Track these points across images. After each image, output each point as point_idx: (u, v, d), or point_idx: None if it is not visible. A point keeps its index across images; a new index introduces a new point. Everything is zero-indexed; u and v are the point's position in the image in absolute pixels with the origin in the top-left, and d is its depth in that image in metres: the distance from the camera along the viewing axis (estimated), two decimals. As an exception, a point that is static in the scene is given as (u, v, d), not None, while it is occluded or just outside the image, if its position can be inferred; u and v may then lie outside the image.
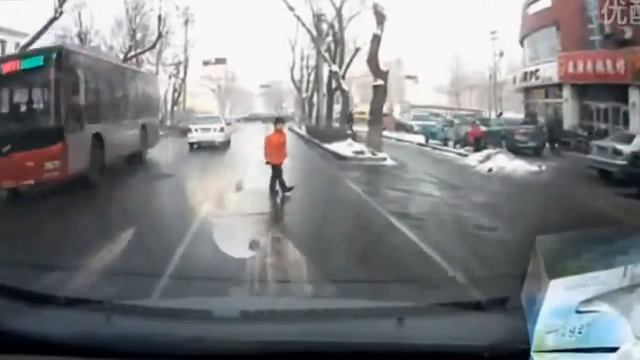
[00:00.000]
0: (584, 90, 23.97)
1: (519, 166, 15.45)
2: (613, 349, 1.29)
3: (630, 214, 8.93)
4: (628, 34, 21.05)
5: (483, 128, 21.11)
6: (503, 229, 8.10)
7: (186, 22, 32.02)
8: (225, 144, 21.59)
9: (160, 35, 28.07)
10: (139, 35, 29.19)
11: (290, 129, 35.28)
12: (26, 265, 4.45)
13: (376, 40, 19.50)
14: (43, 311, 1.73)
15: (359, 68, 31.77)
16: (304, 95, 37.41)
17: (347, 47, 27.88)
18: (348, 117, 25.88)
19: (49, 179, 10.80)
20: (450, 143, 22.95)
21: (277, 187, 10.48)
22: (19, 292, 1.82)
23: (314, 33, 26.93)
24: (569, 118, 24.59)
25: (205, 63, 35.83)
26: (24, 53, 14.88)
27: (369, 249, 6.73)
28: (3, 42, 25.86)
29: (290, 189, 10.43)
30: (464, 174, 15.15)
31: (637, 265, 1.30)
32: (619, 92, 21.21)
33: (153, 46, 28.78)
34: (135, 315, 1.81)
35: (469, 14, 53.60)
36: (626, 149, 12.97)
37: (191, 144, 21.05)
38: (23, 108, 11.55)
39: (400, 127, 32.06)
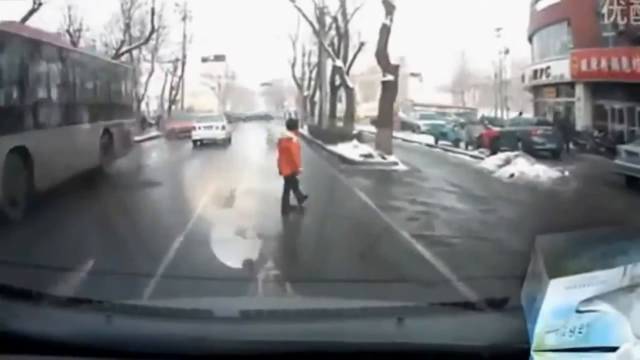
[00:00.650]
0: (597, 89, 23.07)
1: (541, 171, 13.96)
2: (613, 349, 1.27)
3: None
4: (643, 30, 20.13)
5: (497, 129, 19.34)
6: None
7: (184, 18, 30.29)
8: (227, 141, 23.04)
9: (153, 30, 26.25)
10: (136, 32, 27.45)
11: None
12: None
13: (385, 31, 17.92)
14: (43, 311, 1.72)
15: (361, 65, 30.13)
16: (306, 93, 35.77)
17: (351, 42, 25.90)
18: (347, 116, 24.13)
19: None
20: (462, 144, 21.14)
21: (291, 201, 8.98)
22: (19, 292, 1.80)
23: (316, 26, 24.92)
24: (582, 118, 23.68)
25: (204, 60, 34.71)
26: None
27: (392, 292, 4.96)
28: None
29: (305, 197, 9.02)
30: (484, 180, 13.71)
31: (637, 265, 1.28)
32: (635, 91, 20.28)
33: (146, 41, 27.23)
34: (135, 315, 1.79)
35: (473, 11, 51.94)
36: None
37: (194, 141, 22.46)
38: None
39: (406, 126, 30.36)
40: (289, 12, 42.19)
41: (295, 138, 9.29)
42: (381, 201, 10.18)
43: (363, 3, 25.44)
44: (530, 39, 28.87)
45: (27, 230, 7.46)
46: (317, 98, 32.62)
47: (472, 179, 14.21)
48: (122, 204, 9.51)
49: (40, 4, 18.65)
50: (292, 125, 9.67)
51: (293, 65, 37.93)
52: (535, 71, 26.82)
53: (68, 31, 24.08)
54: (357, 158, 16.59)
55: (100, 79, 13.67)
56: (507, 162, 15.19)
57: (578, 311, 1.28)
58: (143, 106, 36.75)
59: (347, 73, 24.76)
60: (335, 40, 27.27)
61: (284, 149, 9.09)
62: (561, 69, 24.32)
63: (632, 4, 20.60)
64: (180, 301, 2.45)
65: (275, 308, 2.12)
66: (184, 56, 33.52)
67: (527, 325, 1.33)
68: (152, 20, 26.73)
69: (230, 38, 69.84)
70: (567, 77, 23.95)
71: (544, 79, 26.12)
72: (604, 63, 22.00)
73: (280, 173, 9.07)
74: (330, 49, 25.64)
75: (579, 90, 23.85)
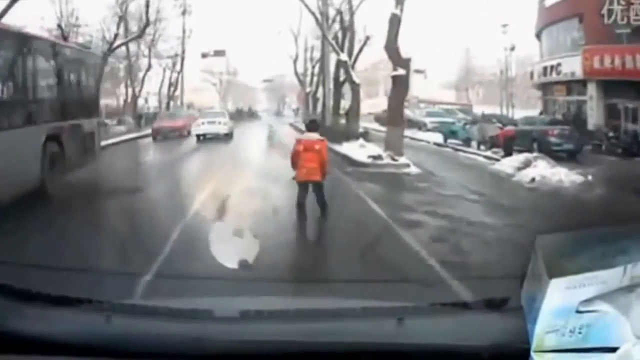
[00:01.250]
0: (610, 87, 22.21)
1: (564, 175, 12.62)
2: (613, 349, 1.26)
3: None
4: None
5: (510, 127, 18.01)
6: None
7: (183, 13, 28.95)
8: (229, 136, 23.79)
9: (147, 22, 24.81)
10: (134, 27, 26.02)
11: (293, 126, 32.65)
12: None
13: (396, 21, 16.54)
14: (43, 311, 1.72)
15: (363, 61, 28.63)
16: (308, 89, 34.43)
17: (356, 36, 24.38)
18: (346, 114, 23.70)
19: None
20: (473, 143, 19.71)
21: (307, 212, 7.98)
22: (19, 292, 1.80)
23: (319, 16, 23.36)
24: (594, 117, 22.80)
25: (204, 55, 33.67)
26: None
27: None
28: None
29: (324, 205, 8.03)
30: (505, 186, 12.56)
31: (637, 265, 1.27)
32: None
33: (140, 35, 25.68)
34: (135, 315, 1.80)
35: (478, 7, 50.53)
36: None
37: (198, 136, 23.29)
38: None
39: (412, 124, 28.93)
40: (290, 5, 40.83)
41: (324, 140, 8.39)
42: (397, 213, 8.89)
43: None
44: (538, 36, 27.90)
45: None
46: (319, 94, 31.16)
47: (491, 183, 13.05)
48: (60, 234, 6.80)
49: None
50: (313, 126, 8.63)
51: (295, 61, 36.65)
52: (545, 68, 25.98)
53: (59, 25, 22.60)
54: (365, 159, 15.23)
55: (44, 66, 10.39)
56: (527, 164, 13.85)
57: (578, 311, 1.26)
58: (142, 102, 35.55)
59: (353, 67, 23.05)
60: (340, 34, 25.63)
61: (312, 152, 8.00)
62: (572, 66, 23.48)
63: (632, 4, 20.41)
64: (179, 301, 2.40)
65: (275, 308, 2.06)
66: (183, 51, 32.11)
67: (527, 326, 1.32)
68: (146, 13, 25.41)
69: (231, 33, 68.51)
70: (579, 74, 23.10)
71: (554, 76, 25.31)
72: (617, 60, 21.17)
73: (302, 179, 8.00)
74: (334, 42, 23.95)
75: (591, 89, 23.03)
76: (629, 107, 21.45)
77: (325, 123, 24.31)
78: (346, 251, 6.49)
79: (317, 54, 32.73)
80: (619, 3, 20.44)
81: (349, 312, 1.88)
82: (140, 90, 31.89)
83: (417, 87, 42.87)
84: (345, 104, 25.97)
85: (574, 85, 24.49)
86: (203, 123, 23.98)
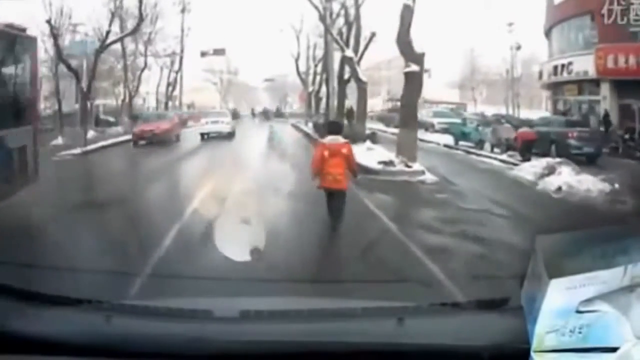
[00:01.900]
0: (624, 87, 21.28)
1: (591, 184, 11.32)
2: (613, 349, 1.26)
3: None
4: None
5: (524, 129, 16.75)
6: None
7: (183, 11, 27.69)
8: (231, 135, 23.89)
9: (142, 19, 23.43)
10: (132, 25, 24.60)
11: (295, 126, 31.55)
12: None
13: (408, 13, 14.94)
14: (43, 311, 1.71)
15: (365, 60, 27.29)
16: (310, 88, 33.21)
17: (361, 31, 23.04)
18: (346, 114, 22.63)
19: None
20: (487, 146, 18.40)
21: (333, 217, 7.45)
22: (19, 292, 1.80)
23: (322, 11, 21.96)
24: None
25: (203, 54, 32.61)
26: None
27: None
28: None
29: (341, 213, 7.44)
30: (532, 197, 11.53)
31: (637, 265, 1.27)
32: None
33: (133, 32, 24.40)
34: (135, 315, 1.78)
35: (482, 6, 49.15)
36: None
37: (202, 135, 23.57)
38: None
39: (419, 124, 27.59)
40: (292, 1, 39.54)
41: (349, 142, 7.79)
42: (419, 235, 7.51)
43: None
44: (547, 34, 26.96)
45: None
46: (322, 94, 29.90)
47: (516, 194, 11.70)
48: None
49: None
50: (335, 129, 7.89)
51: (297, 60, 35.38)
52: (556, 67, 25.13)
53: (48, 21, 21.32)
54: (375, 165, 13.61)
55: None
56: (550, 171, 12.52)
57: (578, 311, 1.26)
58: (141, 103, 34.36)
59: (358, 63, 21.55)
60: (344, 29, 24.25)
61: (338, 157, 7.35)
62: (585, 65, 22.58)
63: (632, 4, 20.07)
64: (179, 301, 2.39)
65: (275, 308, 2.02)
66: (182, 50, 30.87)
67: (527, 326, 1.32)
68: (140, 8, 23.77)
69: (232, 31, 67.02)
70: (592, 73, 22.22)
71: (565, 76, 24.49)
72: (632, 59, 20.47)
73: (328, 186, 7.34)
74: (338, 38, 22.49)
75: (605, 89, 22.18)
76: (643, 108, 21.14)
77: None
78: (361, 290, 4.86)
79: (319, 52, 31.51)
80: (618, 3, 20.13)
81: (349, 312, 1.87)
82: (136, 90, 30.68)
83: (423, 87, 41.63)
84: (347, 103, 24.64)
85: (586, 85, 23.64)
86: (207, 122, 24.75)
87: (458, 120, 23.38)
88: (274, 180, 12.02)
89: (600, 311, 1.24)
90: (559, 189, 11.66)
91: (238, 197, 9.47)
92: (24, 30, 9.43)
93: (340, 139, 7.59)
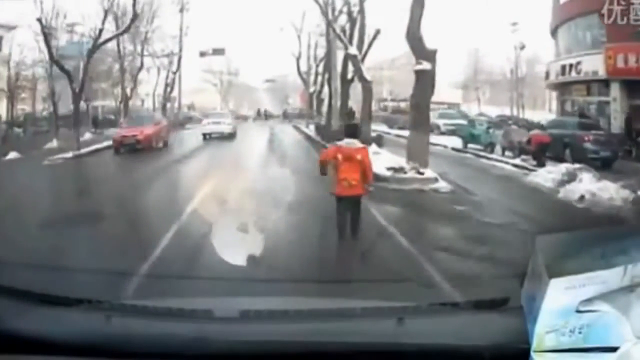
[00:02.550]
0: (635, 87, 20.49)
1: (613, 191, 10.44)
2: (613, 349, 1.23)
3: None
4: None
5: (536, 132, 15.84)
6: None
7: (181, 10, 26.77)
8: (232, 135, 24.20)
9: (135, 16, 22.41)
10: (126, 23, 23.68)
11: (296, 127, 30.85)
12: None
13: (418, 6, 13.69)
14: (43, 311, 1.70)
15: (367, 60, 26.16)
16: (312, 89, 32.30)
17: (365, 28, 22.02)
18: (347, 115, 21.58)
19: None
20: (498, 149, 17.54)
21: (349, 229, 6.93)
22: (19, 292, 1.79)
23: (323, 6, 20.99)
24: (618, 120, 20.96)
25: (202, 54, 31.71)
26: None
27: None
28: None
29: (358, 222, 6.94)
30: (556, 207, 10.54)
31: (637, 265, 1.26)
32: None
33: (125, 30, 23.44)
34: (135, 315, 1.76)
35: (486, 5, 48.30)
36: None
37: (204, 135, 23.94)
38: None
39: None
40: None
41: (366, 147, 7.37)
42: (441, 258, 6.40)
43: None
44: (553, 33, 26.06)
45: None
46: (324, 94, 28.98)
47: (538, 204, 10.84)
48: None
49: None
50: (352, 131, 7.26)
51: (298, 59, 34.42)
52: (564, 67, 24.24)
53: (39, 20, 20.34)
54: (384, 172, 12.29)
55: None
56: (570, 177, 11.56)
57: (578, 311, 1.25)
58: (139, 104, 33.48)
59: (363, 61, 20.50)
60: (348, 26, 23.24)
61: (353, 162, 6.80)
62: (594, 64, 21.75)
63: (632, 4, 19.55)
64: (179, 301, 2.33)
65: (275, 308, 2.00)
66: (180, 50, 29.89)
67: (527, 326, 1.32)
68: (133, 5, 22.72)
69: (231, 31, 66.02)
70: (602, 73, 21.37)
71: (573, 76, 23.69)
72: None
73: (343, 193, 6.76)
74: (342, 35, 21.41)
75: (615, 89, 21.34)
76: (655, 109, 20.83)
77: (331, 126, 21.95)
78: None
79: (321, 52, 30.71)
80: (618, 3, 19.63)
81: (349, 312, 1.85)
82: (132, 91, 29.75)
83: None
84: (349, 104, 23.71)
85: (594, 85, 22.89)
86: (208, 123, 25.29)
87: (464, 122, 22.39)
88: (273, 187, 11.06)
89: (600, 311, 1.23)
90: (582, 197, 10.74)
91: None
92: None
93: (357, 143, 7.03)
